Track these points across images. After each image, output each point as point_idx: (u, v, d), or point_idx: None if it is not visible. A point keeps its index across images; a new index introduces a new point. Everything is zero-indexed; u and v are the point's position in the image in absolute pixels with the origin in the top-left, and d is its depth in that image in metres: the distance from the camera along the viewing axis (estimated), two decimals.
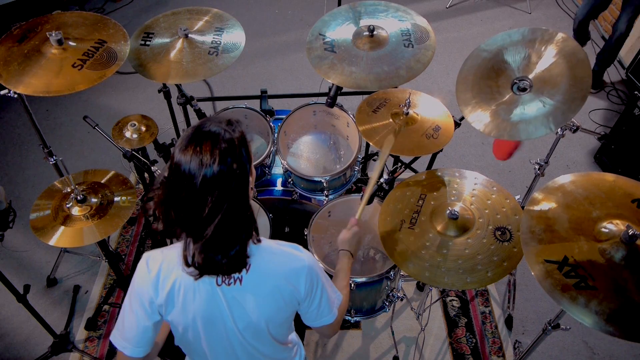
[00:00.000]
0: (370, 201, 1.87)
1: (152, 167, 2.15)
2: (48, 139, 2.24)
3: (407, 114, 2.00)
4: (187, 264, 1.10)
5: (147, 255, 1.19)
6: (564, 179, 1.52)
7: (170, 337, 1.36)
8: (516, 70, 1.83)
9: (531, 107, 1.75)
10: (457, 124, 2.09)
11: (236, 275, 1.16)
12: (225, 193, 1.03)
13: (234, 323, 1.20)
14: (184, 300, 1.17)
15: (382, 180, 2.01)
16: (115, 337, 1.23)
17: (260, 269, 1.16)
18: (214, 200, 1.02)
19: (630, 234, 1.29)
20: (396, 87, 2.16)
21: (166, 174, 1.07)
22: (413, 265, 1.65)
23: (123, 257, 2.91)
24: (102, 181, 2.06)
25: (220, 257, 1.09)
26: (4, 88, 1.85)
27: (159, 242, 2.88)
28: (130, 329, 1.21)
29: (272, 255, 1.19)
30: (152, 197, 1.12)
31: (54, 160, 2.29)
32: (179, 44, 2.16)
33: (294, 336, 1.49)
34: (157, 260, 1.17)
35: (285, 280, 1.19)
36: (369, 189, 1.74)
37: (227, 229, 1.06)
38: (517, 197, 2.24)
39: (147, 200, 1.13)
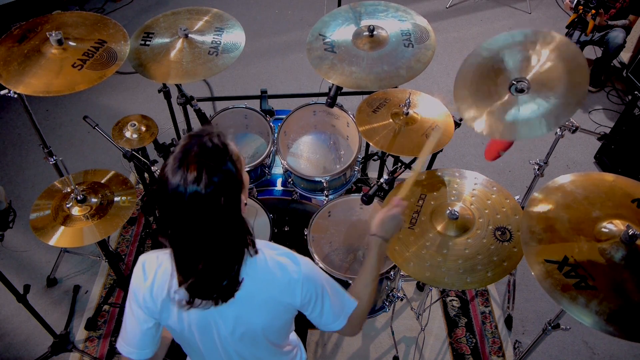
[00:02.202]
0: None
1: (152, 167, 2.15)
2: (48, 139, 2.24)
3: (407, 114, 2.00)
4: (180, 282, 1.09)
5: (143, 259, 1.18)
6: (564, 179, 1.52)
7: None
8: (514, 71, 1.82)
9: (528, 108, 1.74)
10: (457, 124, 2.09)
11: None
12: (213, 220, 1.00)
13: (229, 332, 1.19)
14: (179, 309, 1.16)
15: (382, 180, 2.01)
16: (121, 345, 1.23)
17: (254, 281, 1.13)
18: (202, 230, 1.00)
19: (630, 234, 1.29)
20: (396, 87, 2.16)
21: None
22: (413, 265, 1.65)
23: (123, 257, 2.91)
24: (102, 181, 2.06)
25: (211, 292, 1.08)
26: (4, 88, 1.84)
27: (159, 242, 2.88)
28: (133, 332, 1.20)
29: (265, 267, 1.15)
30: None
31: (54, 160, 2.29)
32: (179, 44, 2.16)
33: (293, 337, 1.48)
34: (152, 267, 1.16)
35: (280, 292, 1.16)
36: (417, 168, 1.59)
37: (216, 262, 1.05)
38: (517, 197, 2.24)
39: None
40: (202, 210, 0.98)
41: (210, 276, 1.06)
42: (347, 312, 1.24)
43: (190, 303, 1.09)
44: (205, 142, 1.01)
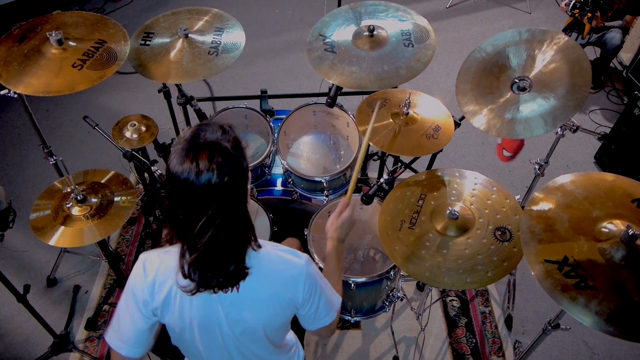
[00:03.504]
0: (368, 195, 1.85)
1: (152, 167, 2.15)
2: (48, 139, 2.24)
3: (407, 114, 2.00)
4: (184, 275, 1.09)
5: (144, 257, 1.18)
6: (564, 179, 1.52)
7: (168, 337, 1.35)
8: (517, 69, 1.83)
9: (531, 107, 1.75)
10: (457, 124, 2.09)
11: None
12: (221, 206, 1.02)
13: (230, 328, 1.20)
14: (180, 305, 1.16)
15: (382, 180, 2.00)
16: (111, 338, 1.21)
17: (257, 276, 1.15)
18: (209, 214, 1.01)
19: (630, 234, 1.29)
20: (396, 87, 2.16)
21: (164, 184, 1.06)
22: (413, 265, 1.65)
23: (123, 257, 2.91)
24: (102, 181, 2.06)
25: (217, 276, 1.09)
26: (4, 88, 1.84)
27: (159, 242, 2.88)
28: (126, 329, 1.20)
29: (269, 262, 1.17)
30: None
31: (54, 160, 2.29)
32: (179, 44, 2.16)
33: (291, 337, 1.48)
34: (154, 264, 1.16)
35: (283, 287, 1.18)
36: (357, 168, 1.64)
37: (221, 243, 1.05)
38: (517, 197, 2.24)
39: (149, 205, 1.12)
40: (211, 191, 1.00)
41: (216, 258, 1.07)
42: (337, 306, 1.31)
43: (196, 289, 1.09)
44: (217, 130, 1.05)
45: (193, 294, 1.11)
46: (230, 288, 1.14)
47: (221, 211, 1.02)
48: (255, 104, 2.65)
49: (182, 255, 1.09)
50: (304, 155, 2.53)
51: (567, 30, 3.56)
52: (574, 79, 1.71)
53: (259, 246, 1.15)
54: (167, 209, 1.07)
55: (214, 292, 1.14)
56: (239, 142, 1.07)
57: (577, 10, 3.32)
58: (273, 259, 1.18)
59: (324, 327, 1.30)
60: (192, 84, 3.79)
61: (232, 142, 1.04)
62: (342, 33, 2.07)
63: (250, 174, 1.13)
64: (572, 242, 1.37)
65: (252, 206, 2.22)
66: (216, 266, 1.08)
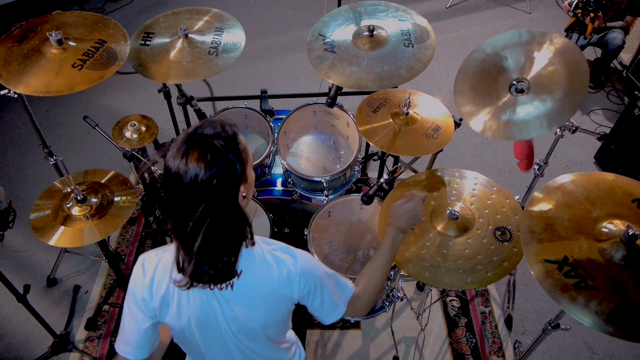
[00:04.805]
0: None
1: (152, 167, 2.15)
2: (48, 139, 2.24)
3: (407, 114, 2.00)
4: (179, 270, 1.09)
5: (142, 258, 1.19)
6: (564, 179, 1.52)
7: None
8: (516, 71, 1.82)
9: (527, 109, 1.74)
10: (457, 124, 2.09)
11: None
12: (210, 206, 1.01)
13: (228, 326, 1.20)
14: (178, 303, 1.17)
15: (382, 180, 2.01)
16: (118, 345, 1.24)
17: (251, 275, 1.15)
18: (198, 214, 1.01)
19: (630, 234, 1.29)
20: (396, 87, 2.16)
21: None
22: (413, 265, 1.65)
23: (123, 257, 2.91)
24: (102, 181, 2.06)
25: (207, 269, 1.08)
26: (4, 88, 1.84)
27: (159, 242, 2.88)
28: (130, 332, 1.21)
29: (263, 260, 1.17)
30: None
31: (54, 160, 2.29)
32: (179, 44, 2.16)
33: (291, 335, 1.48)
34: (152, 264, 1.17)
35: (278, 285, 1.17)
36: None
37: (214, 241, 1.05)
38: (517, 197, 2.24)
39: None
40: (197, 189, 1.00)
41: (208, 254, 1.06)
42: (346, 299, 1.28)
43: (190, 283, 1.09)
44: (216, 128, 1.04)
45: (187, 288, 1.11)
46: (225, 285, 1.14)
47: (209, 211, 1.02)
48: (255, 104, 2.65)
49: (177, 250, 1.10)
50: (304, 155, 2.54)
51: (569, 30, 3.56)
52: (571, 82, 1.71)
53: (253, 243, 1.15)
54: (164, 201, 1.07)
55: (210, 289, 1.14)
56: (235, 143, 1.05)
57: (580, 10, 3.33)
58: (267, 259, 1.18)
59: (339, 319, 1.28)
60: (192, 84, 3.79)
61: (227, 141, 1.03)
62: (342, 33, 2.07)
63: (253, 175, 1.12)
64: (572, 242, 1.37)
65: (252, 206, 2.22)
66: (206, 259, 1.08)
